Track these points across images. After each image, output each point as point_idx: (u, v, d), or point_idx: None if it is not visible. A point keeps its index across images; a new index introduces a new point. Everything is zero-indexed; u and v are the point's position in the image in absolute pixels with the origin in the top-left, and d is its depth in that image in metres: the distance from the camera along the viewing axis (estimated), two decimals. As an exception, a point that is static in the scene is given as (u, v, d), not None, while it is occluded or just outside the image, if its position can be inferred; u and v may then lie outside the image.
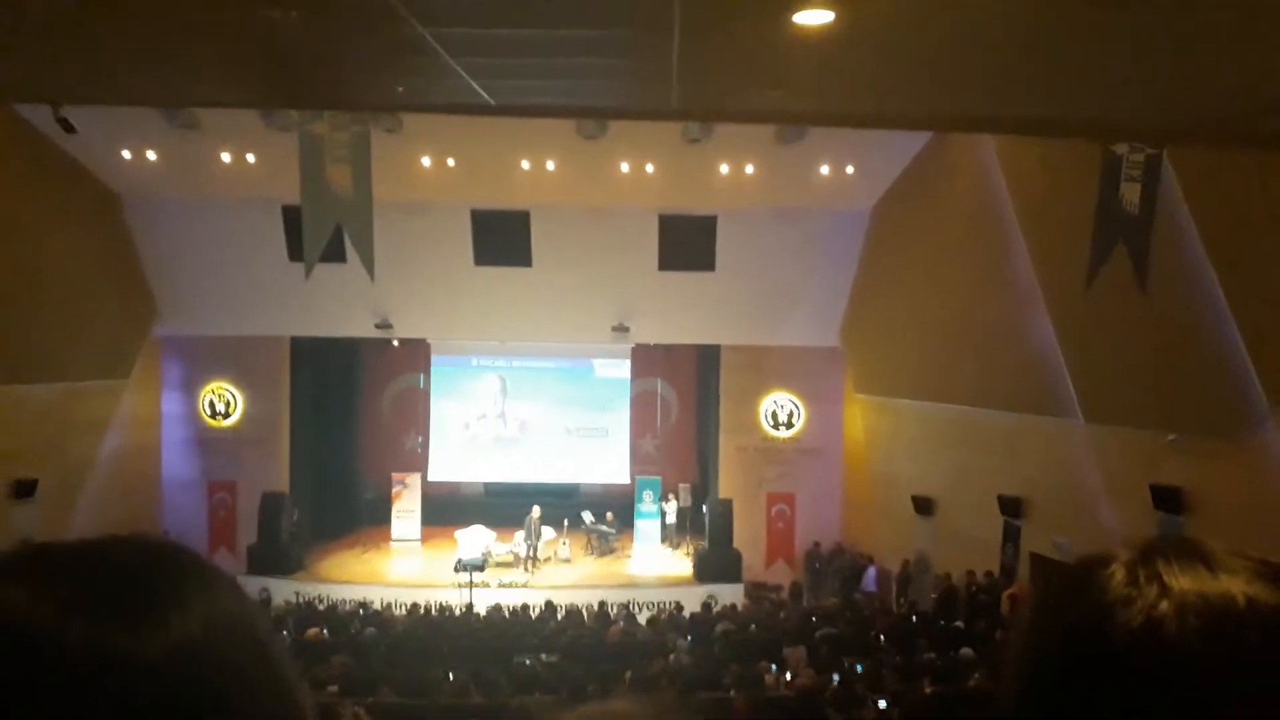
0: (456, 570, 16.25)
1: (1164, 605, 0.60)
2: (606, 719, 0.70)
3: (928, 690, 8.97)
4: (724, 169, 15.68)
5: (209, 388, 18.76)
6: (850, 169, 15.84)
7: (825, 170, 15.80)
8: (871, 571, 17.20)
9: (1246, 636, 0.58)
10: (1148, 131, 7.92)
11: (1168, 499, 10.80)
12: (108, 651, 0.52)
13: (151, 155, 15.33)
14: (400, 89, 6.53)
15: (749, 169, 15.70)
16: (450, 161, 15.52)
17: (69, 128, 12.05)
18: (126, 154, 15.27)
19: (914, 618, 14.13)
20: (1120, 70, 5.06)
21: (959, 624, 13.14)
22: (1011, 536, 14.28)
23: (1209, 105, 5.51)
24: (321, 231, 8.96)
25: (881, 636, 12.18)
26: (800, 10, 4.27)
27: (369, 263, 9.23)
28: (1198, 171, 9.27)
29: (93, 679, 0.51)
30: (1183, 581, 0.62)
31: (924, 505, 16.19)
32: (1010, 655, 0.68)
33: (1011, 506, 14.07)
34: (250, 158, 15.25)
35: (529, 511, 17.74)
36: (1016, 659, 0.67)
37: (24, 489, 14.41)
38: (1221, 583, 0.61)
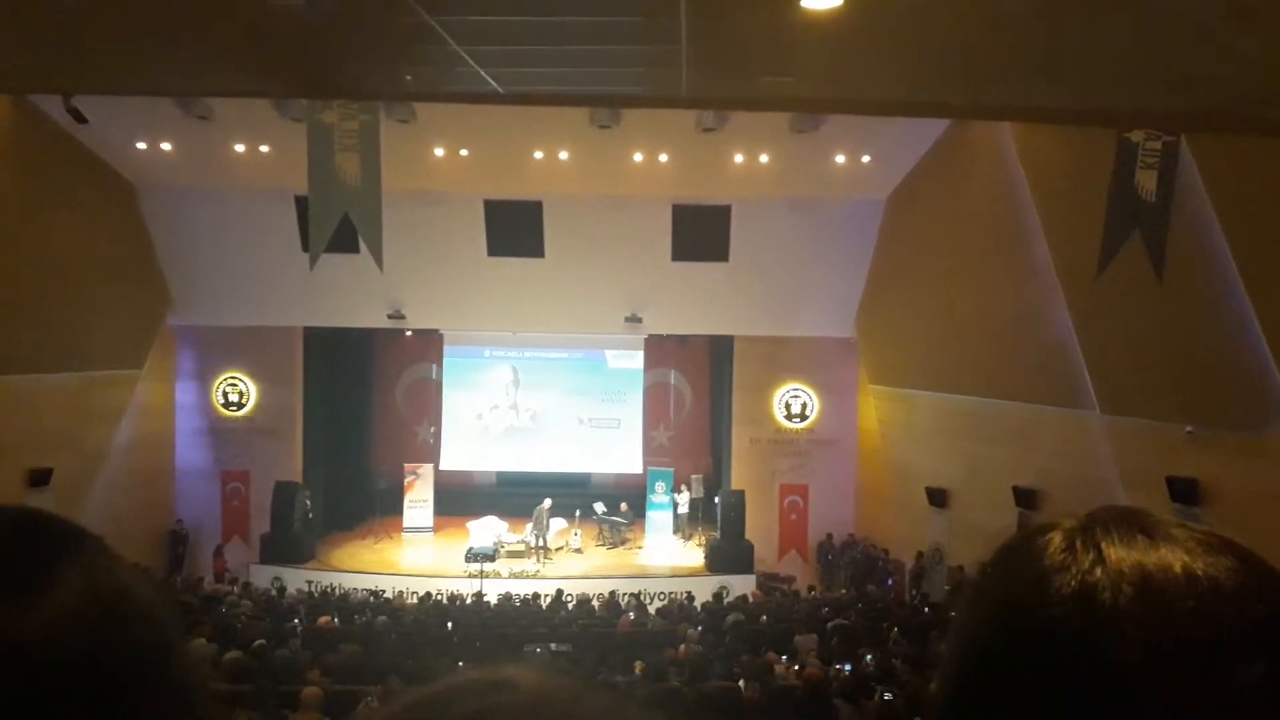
0: (468, 560, 16.28)
1: (1098, 572, 0.60)
2: (486, 692, 0.51)
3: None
4: (738, 158, 15.59)
5: (223, 378, 18.83)
6: (866, 158, 15.71)
7: (840, 159, 15.68)
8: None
9: (1179, 605, 0.57)
10: (1164, 118, 7.81)
11: (1184, 491, 10.69)
12: None
13: (166, 146, 15.39)
14: (409, 77, 6.50)
15: (763, 158, 15.60)
16: (463, 152, 15.49)
17: (80, 118, 12.03)
18: (141, 145, 15.33)
19: (927, 609, 14.06)
20: (1134, 56, 4.97)
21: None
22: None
23: (1223, 90, 5.41)
24: (329, 221, 8.95)
25: (895, 628, 12.12)
26: (808, -6, 4.21)
27: (377, 253, 9.21)
28: (1219, 160, 9.13)
29: None
30: (1119, 550, 0.61)
31: (938, 497, 16.10)
32: (953, 624, 0.68)
33: (1026, 498, 13.95)
34: (264, 148, 15.28)
35: (539, 503, 17.76)
36: (956, 627, 0.66)
37: (39, 478, 14.49)
38: (1160, 552, 0.60)
